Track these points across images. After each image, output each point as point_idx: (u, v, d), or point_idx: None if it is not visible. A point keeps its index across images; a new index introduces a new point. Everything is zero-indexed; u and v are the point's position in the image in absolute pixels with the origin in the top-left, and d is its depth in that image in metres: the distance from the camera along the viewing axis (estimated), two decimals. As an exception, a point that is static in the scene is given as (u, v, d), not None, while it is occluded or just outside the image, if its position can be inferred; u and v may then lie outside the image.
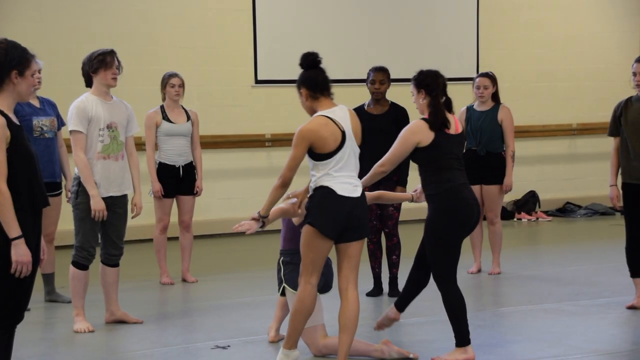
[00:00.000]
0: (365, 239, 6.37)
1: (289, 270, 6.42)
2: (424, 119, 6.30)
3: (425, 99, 6.34)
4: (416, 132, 6.27)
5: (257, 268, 9.92)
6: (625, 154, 7.67)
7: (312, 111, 6.00)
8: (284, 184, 5.80)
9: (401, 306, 6.55)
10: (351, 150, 5.87)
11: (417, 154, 6.29)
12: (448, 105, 6.40)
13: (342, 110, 5.98)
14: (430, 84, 6.36)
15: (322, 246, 5.80)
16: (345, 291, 5.96)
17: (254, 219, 5.91)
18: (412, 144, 6.26)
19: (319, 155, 5.79)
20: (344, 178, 5.79)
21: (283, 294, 6.58)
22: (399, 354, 6.32)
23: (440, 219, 6.23)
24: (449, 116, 6.35)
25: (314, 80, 6.02)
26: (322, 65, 6.13)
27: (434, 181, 6.25)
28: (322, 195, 5.76)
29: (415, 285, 6.55)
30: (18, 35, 5.28)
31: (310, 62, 6.08)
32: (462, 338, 6.24)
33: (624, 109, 7.71)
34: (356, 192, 5.82)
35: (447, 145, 6.26)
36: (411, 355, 6.32)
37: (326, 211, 5.74)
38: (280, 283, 6.54)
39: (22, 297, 4.93)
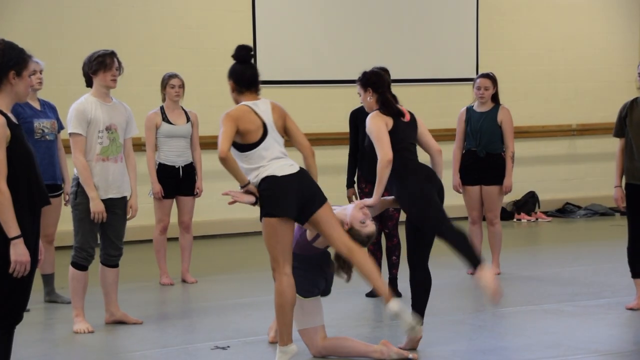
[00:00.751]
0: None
1: (295, 275, 6.38)
2: (378, 110, 6.63)
3: (373, 97, 6.68)
4: (378, 117, 6.56)
5: (257, 269, 9.91)
6: (630, 155, 7.66)
7: (236, 102, 6.17)
8: (221, 157, 5.82)
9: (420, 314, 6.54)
10: (274, 141, 6.04)
11: None
12: (395, 99, 6.77)
13: (264, 104, 6.14)
14: (376, 82, 6.71)
15: (285, 232, 5.89)
16: (347, 247, 5.97)
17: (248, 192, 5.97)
18: (385, 127, 6.51)
19: (245, 145, 5.94)
20: (277, 161, 5.95)
21: None
22: (398, 354, 6.31)
23: (409, 186, 6.46)
24: (399, 106, 6.70)
25: (240, 74, 6.20)
26: (252, 61, 6.33)
27: (398, 164, 6.47)
28: (267, 184, 5.87)
29: (422, 287, 6.55)
30: (18, 36, 5.28)
31: (241, 56, 6.26)
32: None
33: (630, 110, 7.70)
34: (294, 169, 5.96)
35: (406, 130, 6.61)
36: (410, 356, 6.30)
37: (276, 195, 5.85)
38: None
39: (21, 298, 4.92)
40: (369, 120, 6.59)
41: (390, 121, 6.55)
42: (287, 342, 5.99)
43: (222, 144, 5.83)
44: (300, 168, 6.04)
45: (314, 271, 6.38)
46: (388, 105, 6.63)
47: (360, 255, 5.97)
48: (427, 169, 6.62)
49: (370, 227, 6.24)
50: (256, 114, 6.02)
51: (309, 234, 6.24)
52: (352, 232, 6.17)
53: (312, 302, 6.38)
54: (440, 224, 6.40)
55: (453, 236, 6.36)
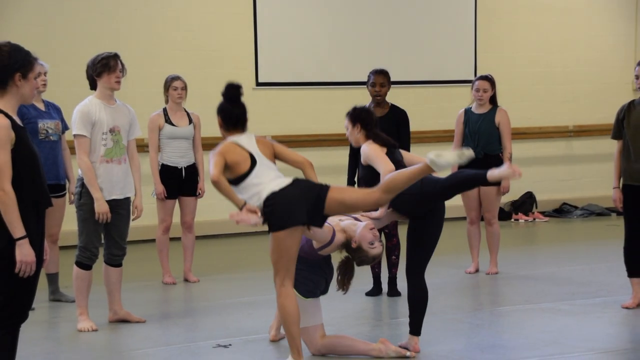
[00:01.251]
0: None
1: (297, 276, 6.39)
2: (371, 140, 6.63)
3: (361, 132, 6.66)
4: (374, 144, 6.57)
5: (258, 268, 9.91)
6: (627, 156, 7.68)
7: (224, 137, 6.24)
8: (213, 181, 5.90)
9: (417, 330, 6.51)
10: (266, 167, 6.04)
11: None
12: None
13: (248, 138, 6.20)
14: (365, 118, 6.69)
15: (292, 245, 5.89)
16: (377, 197, 5.98)
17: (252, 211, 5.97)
18: (381, 150, 6.52)
19: (238, 178, 5.98)
20: (273, 181, 5.95)
21: None
22: (397, 353, 6.32)
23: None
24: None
25: (228, 113, 6.24)
26: (241, 100, 6.34)
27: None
28: (270, 201, 5.86)
29: (419, 303, 6.51)
30: (21, 39, 5.28)
31: (231, 96, 6.28)
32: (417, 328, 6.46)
33: (627, 112, 7.72)
34: (288, 180, 5.97)
35: (397, 160, 6.55)
36: (408, 354, 6.32)
37: (280, 208, 5.83)
38: None
39: (27, 297, 4.92)
40: (365, 147, 6.55)
41: (384, 150, 6.54)
42: (299, 357, 6.00)
43: (213, 169, 5.91)
44: (294, 178, 6.03)
45: (315, 272, 6.40)
46: (380, 138, 6.63)
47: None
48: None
49: (377, 248, 6.27)
50: (241, 147, 6.07)
51: (316, 244, 6.27)
52: (359, 251, 6.21)
53: (312, 302, 6.39)
54: (437, 185, 6.37)
55: (454, 179, 6.43)
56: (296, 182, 5.97)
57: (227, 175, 5.98)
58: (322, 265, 6.44)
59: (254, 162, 6.02)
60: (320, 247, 6.25)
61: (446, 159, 5.83)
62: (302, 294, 6.29)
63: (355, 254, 6.27)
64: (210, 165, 5.95)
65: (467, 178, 6.46)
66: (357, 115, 6.70)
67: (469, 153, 6.01)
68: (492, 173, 6.30)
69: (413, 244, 6.43)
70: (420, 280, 6.43)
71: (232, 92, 6.27)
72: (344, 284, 6.38)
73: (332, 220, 6.24)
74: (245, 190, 5.97)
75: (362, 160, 6.61)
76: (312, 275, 6.37)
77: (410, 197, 6.29)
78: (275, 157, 6.20)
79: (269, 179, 5.97)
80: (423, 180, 6.21)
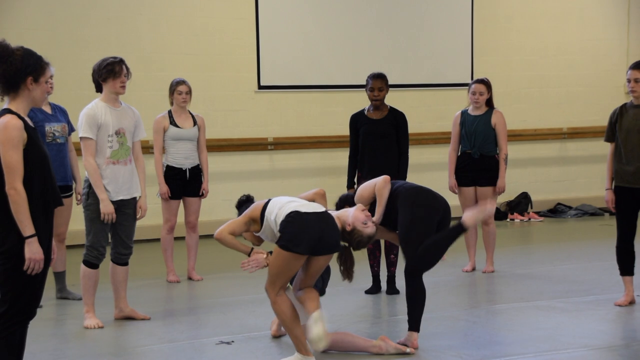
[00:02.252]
0: None
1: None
2: None
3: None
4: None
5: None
6: (618, 159, 7.69)
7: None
8: (217, 238, 6.20)
9: (416, 326, 6.51)
10: (277, 199, 6.16)
11: None
12: None
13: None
14: (350, 201, 6.77)
15: (295, 266, 6.00)
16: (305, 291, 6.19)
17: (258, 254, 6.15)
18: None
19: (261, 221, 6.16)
20: (295, 202, 6.08)
21: None
22: (396, 349, 6.33)
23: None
24: None
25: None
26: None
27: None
28: (291, 218, 5.94)
29: (418, 300, 6.49)
30: (29, 43, 5.28)
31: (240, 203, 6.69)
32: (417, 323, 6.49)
33: (619, 115, 7.72)
34: (319, 208, 6.08)
35: None
36: (408, 350, 6.33)
37: (296, 231, 5.89)
38: None
39: (35, 294, 4.93)
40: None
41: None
42: (307, 354, 6.02)
43: (224, 227, 6.12)
44: (325, 210, 6.07)
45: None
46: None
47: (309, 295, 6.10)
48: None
49: (371, 228, 6.26)
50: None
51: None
52: (354, 233, 6.21)
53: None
54: (417, 264, 6.42)
55: (433, 244, 6.39)
56: (325, 215, 6.01)
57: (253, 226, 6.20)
58: None
59: (268, 201, 6.15)
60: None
61: (314, 326, 5.96)
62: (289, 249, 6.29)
63: (351, 237, 6.26)
64: (230, 221, 6.18)
65: (447, 236, 6.40)
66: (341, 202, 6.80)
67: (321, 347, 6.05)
68: (466, 218, 6.31)
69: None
70: (418, 278, 6.43)
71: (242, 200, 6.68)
72: (348, 273, 6.37)
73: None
74: (271, 223, 6.06)
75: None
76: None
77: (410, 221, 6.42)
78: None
79: (285, 201, 6.05)
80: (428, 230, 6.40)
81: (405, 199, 6.45)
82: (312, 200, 6.29)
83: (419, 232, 6.36)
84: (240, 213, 6.37)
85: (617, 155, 7.71)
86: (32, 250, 4.79)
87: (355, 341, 6.37)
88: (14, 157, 4.76)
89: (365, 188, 6.64)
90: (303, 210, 5.94)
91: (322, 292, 6.59)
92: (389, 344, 6.33)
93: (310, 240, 5.86)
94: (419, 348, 6.41)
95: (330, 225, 6.00)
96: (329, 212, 6.10)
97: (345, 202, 6.71)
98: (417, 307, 6.45)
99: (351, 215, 6.25)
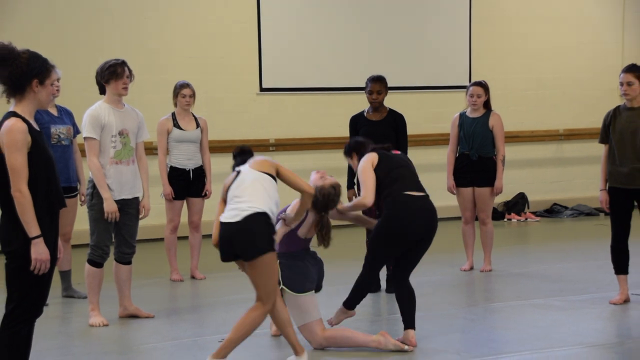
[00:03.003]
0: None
1: (287, 271, 6.38)
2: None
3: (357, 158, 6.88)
4: (367, 159, 6.67)
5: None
6: (612, 160, 7.70)
7: None
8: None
9: (412, 323, 6.56)
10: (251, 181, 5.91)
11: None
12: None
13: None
14: (359, 147, 6.90)
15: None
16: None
17: None
18: (371, 168, 6.63)
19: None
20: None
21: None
22: (395, 346, 6.33)
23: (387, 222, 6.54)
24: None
25: None
26: None
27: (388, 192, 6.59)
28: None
29: (408, 301, 6.56)
30: (34, 46, 5.29)
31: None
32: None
33: (613, 118, 7.72)
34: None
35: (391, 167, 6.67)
36: (406, 348, 6.33)
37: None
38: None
39: (41, 293, 4.95)
40: (361, 163, 6.74)
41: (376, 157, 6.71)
42: (301, 352, 6.02)
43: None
44: (250, 214, 5.83)
45: (300, 262, 6.39)
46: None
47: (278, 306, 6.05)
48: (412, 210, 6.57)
49: (330, 179, 6.38)
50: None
51: (297, 228, 6.34)
52: (320, 192, 6.25)
53: (307, 298, 6.36)
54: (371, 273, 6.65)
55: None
56: (234, 224, 5.88)
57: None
58: (305, 256, 6.45)
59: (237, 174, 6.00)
60: (299, 225, 6.29)
61: None
62: (294, 290, 6.29)
63: (319, 199, 6.26)
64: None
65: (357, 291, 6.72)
66: (351, 148, 6.96)
67: None
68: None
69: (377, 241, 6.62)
70: (403, 281, 6.54)
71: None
72: (324, 239, 6.36)
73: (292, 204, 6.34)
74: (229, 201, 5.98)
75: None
76: (298, 268, 6.35)
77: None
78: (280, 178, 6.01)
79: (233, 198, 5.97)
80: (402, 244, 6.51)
81: (390, 210, 6.50)
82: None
83: (384, 250, 6.55)
84: (236, 163, 6.20)
85: (610, 156, 7.72)
86: (38, 251, 4.80)
87: (355, 336, 6.38)
88: (18, 159, 4.77)
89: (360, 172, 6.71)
90: (223, 220, 5.94)
91: (319, 286, 6.59)
92: (389, 340, 6.33)
93: (223, 250, 6.05)
94: (417, 346, 6.41)
95: (242, 231, 5.82)
96: (252, 214, 5.82)
97: (354, 149, 6.91)
98: (409, 306, 6.50)
99: (312, 180, 6.37)
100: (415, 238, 6.46)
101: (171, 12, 12.33)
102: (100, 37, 11.79)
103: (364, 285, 6.67)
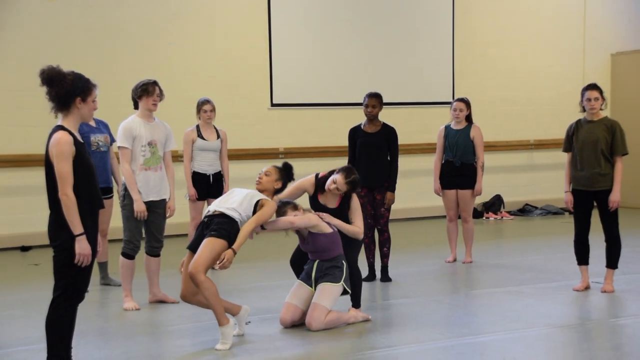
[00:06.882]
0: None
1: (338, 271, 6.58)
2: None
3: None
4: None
5: (272, 258, 9.94)
6: (575, 166, 7.71)
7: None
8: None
9: (358, 303, 6.90)
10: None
11: None
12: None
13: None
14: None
15: None
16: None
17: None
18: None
19: None
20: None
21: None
22: (364, 318, 6.68)
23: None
24: None
25: None
26: None
27: None
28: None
29: (358, 281, 6.89)
30: (79, 69, 5.33)
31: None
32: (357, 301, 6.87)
33: (576, 129, 7.75)
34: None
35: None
36: (370, 318, 6.70)
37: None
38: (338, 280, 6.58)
39: (83, 282, 4.98)
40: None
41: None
42: (225, 322, 6.07)
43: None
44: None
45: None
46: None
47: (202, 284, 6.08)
48: None
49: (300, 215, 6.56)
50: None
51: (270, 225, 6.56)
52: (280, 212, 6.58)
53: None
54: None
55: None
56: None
57: None
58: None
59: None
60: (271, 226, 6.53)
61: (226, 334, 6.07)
62: (342, 282, 6.57)
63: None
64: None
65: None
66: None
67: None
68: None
69: (348, 244, 6.82)
70: (355, 264, 6.83)
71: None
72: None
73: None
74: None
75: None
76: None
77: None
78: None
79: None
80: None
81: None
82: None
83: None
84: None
85: (573, 163, 7.74)
86: (82, 247, 4.84)
87: (341, 316, 6.56)
88: (65, 167, 4.81)
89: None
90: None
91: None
92: (359, 314, 6.66)
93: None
94: (408, 326, 6.44)
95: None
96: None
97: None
98: (357, 286, 6.81)
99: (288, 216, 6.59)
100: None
101: (193, 38, 12.36)
102: (133, 61, 11.83)
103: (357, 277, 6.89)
